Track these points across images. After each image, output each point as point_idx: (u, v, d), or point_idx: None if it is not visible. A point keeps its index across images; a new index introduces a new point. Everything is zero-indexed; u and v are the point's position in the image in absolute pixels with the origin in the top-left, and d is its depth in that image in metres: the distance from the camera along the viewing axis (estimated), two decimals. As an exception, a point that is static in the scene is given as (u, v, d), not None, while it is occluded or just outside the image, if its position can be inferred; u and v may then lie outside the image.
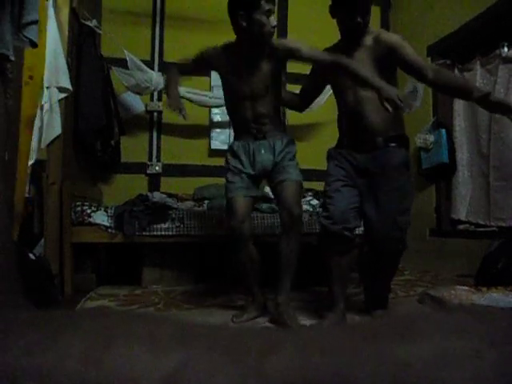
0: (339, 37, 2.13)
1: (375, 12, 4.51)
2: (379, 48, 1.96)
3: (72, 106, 3.03)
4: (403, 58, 1.92)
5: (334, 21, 2.08)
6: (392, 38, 1.99)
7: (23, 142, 2.51)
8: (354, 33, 1.99)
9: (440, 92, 3.01)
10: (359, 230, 2.73)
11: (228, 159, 2.20)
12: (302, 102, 2.40)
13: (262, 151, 2.11)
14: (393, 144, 1.98)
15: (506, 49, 3.32)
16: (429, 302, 2.29)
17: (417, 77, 1.99)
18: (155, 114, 3.99)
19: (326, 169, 2.15)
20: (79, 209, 2.80)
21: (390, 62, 1.98)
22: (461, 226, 3.62)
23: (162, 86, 3.60)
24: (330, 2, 2.05)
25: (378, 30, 2.12)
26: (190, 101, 3.71)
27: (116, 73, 3.51)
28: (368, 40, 1.99)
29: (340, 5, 1.98)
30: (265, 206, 3.05)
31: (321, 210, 2.30)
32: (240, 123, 2.19)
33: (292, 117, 4.21)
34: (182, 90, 3.69)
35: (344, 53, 2.02)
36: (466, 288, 2.31)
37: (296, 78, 4.02)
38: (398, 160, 1.98)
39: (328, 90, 3.88)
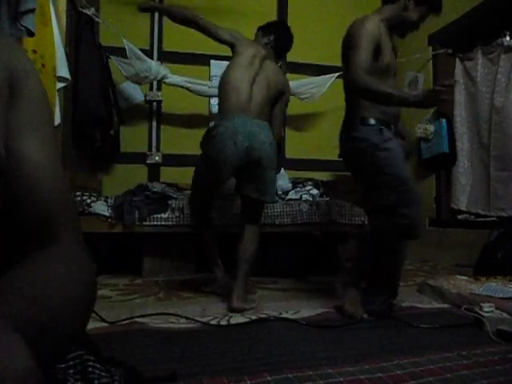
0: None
1: (377, 1, 4.46)
2: None
3: (71, 95, 3.01)
4: None
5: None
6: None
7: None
8: None
9: None
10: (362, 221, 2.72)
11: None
12: None
13: None
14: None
15: (507, 38, 3.30)
16: (428, 291, 2.30)
17: None
18: (154, 103, 3.97)
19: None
20: (79, 199, 2.79)
21: None
22: (460, 216, 3.63)
23: (161, 75, 3.57)
24: None
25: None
26: (189, 90, 3.69)
27: (115, 62, 3.48)
28: None
29: None
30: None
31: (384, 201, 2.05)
32: None
33: (292, 107, 4.19)
34: (181, 80, 3.67)
35: None
36: (465, 278, 2.32)
37: (295, 67, 4.00)
38: None
39: (330, 79, 3.88)
